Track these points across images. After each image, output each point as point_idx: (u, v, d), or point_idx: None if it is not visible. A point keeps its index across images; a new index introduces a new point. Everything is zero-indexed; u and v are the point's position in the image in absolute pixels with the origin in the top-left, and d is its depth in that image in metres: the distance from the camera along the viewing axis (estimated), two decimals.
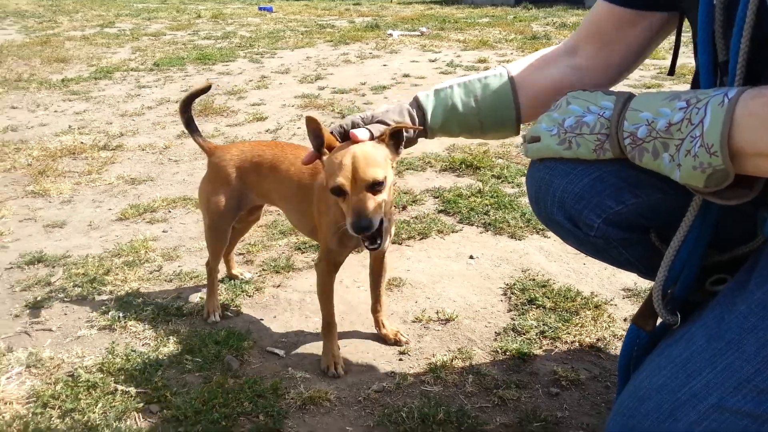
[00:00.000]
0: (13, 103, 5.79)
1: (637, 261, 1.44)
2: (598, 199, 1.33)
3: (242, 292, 2.47)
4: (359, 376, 1.97)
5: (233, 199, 2.18)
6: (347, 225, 1.58)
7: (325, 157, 1.63)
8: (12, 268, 2.70)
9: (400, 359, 2.07)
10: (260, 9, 15.63)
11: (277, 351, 2.10)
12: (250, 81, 6.72)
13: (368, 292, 2.18)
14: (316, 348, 2.11)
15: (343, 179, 1.55)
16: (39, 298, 2.42)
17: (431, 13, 14.29)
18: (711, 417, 1.07)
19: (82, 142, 4.53)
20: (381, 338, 2.17)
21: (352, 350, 2.12)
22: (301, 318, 2.31)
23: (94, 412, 1.76)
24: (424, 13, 14.29)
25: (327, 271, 1.98)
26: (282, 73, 7.19)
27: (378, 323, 2.18)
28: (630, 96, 1.23)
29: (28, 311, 2.35)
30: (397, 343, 2.13)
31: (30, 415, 1.75)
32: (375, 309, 2.17)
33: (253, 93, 6.18)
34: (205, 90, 2.26)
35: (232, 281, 2.55)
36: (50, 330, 2.23)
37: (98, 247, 2.90)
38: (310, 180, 2.00)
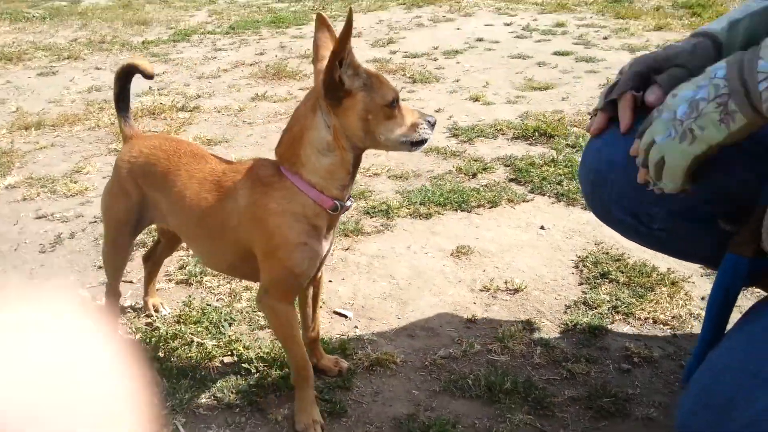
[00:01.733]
0: (97, 63, 6.00)
1: (705, 252, 1.37)
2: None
3: None
4: (425, 342, 1.98)
5: (130, 211, 1.76)
6: (415, 130, 1.46)
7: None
8: (96, 221, 2.83)
9: (467, 327, 2.06)
10: None
11: (345, 312, 2.14)
12: None
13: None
14: (383, 312, 2.14)
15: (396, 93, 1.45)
16: None
17: None
18: None
19: (161, 103, 4.66)
20: (320, 370, 1.82)
21: (418, 315, 2.13)
22: (369, 281, 2.33)
23: (170, 362, 1.84)
24: None
25: (287, 302, 1.58)
26: (354, 37, 7.13)
27: (315, 352, 1.81)
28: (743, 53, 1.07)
29: None
30: (340, 373, 1.81)
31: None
32: (310, 334, 1.81)
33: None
34: (144, 74, 1.86)
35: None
36: (131, 282, 2.34)
37: None
38: (221, 196, 1.57)
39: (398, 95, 1.44)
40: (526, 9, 8.74)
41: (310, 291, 1.78)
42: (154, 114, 4.41)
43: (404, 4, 9.47)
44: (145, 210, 1.76)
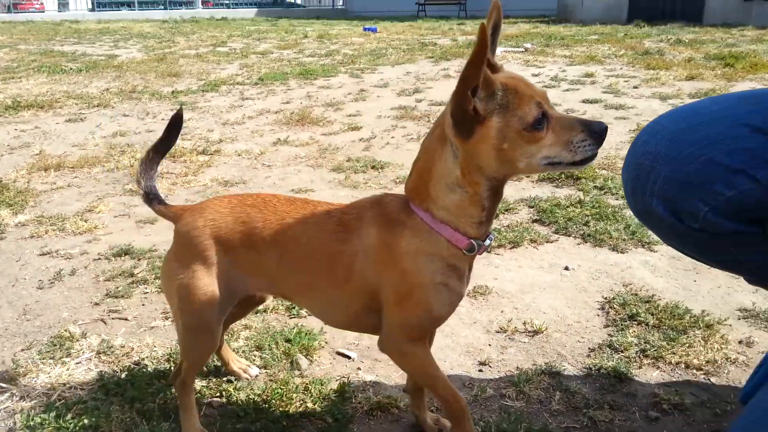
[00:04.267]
0: (125, 111, 6.09)
1: (749, 260, 1.20)
2: (706, 184, 1.12)
3: None
4: None
5: (217, 287, 1.47)
6: (570, 148, 1.17)
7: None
8: (100, 259, 2.74)
9: (480, 370, 1.88)
10: (365, 29, 15.90)
11: (348, 353, 1.98)
12: (349, 94, 6.75)
13: None
14: None
15: (543, 102, 1.18)
16: (120, 288, 2.42)
17: (537, 31, 13.97)
18: None
19: (183, 147, 4.65)
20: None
21: None
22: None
23: (154, 403, 1.70)
24: (530, 31, 13.99)
25: (419, 342, 1.40)
26: (381, 87, 7.18)
27: (419, 402, 1.62)
28: None
29: (108, 300, 2.36)
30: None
31: (91, 401, 1.71)
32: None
33: (350, 105, 6.18)
34: (177, 123, 1.63)
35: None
36: (126, 319, 2.22)
37: None
38: (344, 237, 1.38)
39: (545, 109, 1.17)
40: (554, 61, 8.73)
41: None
42: (173, 157, 4.38)
43: (432, 57, 9.55)
44: (236, 281, 1.49)
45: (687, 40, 10.56)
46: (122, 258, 2.74)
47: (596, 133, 1.15)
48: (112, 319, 2.23)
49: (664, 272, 2.47)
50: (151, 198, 1.63)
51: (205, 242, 1.47)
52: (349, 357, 1.97)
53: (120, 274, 2.56)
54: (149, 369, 1.85)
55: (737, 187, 1.12)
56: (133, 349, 2.00)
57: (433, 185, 1.28)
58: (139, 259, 2.71)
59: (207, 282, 1.46)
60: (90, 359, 1.95)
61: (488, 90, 1.16)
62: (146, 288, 2.44)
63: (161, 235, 3.01)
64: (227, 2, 28.66)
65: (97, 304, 2.33)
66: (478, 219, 1.29)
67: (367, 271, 1.35)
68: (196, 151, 4.56)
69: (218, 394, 1.76)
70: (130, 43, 13.25)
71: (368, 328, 1.47)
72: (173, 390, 1.68)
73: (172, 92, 7.03)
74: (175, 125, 1.63)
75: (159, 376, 1.81)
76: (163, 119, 5.72)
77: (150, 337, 2.09)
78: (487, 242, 1.33)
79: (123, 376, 1.83)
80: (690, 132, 1.20)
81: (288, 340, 2.00)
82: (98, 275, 2.58)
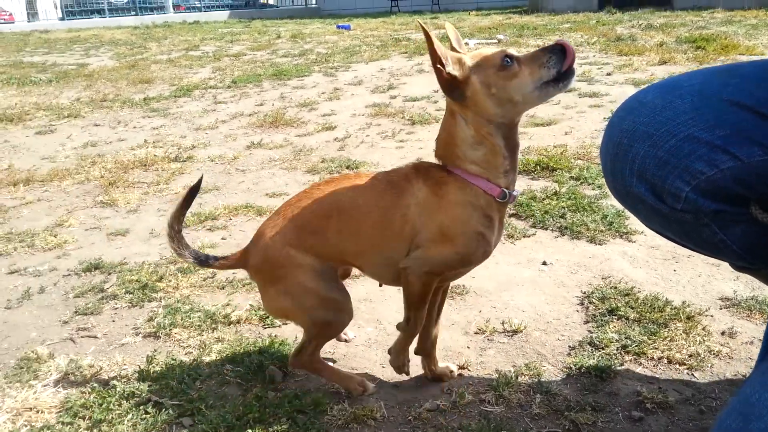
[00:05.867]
0: (96, 120, 5.97)
1: (734, 243, 1.17)
2: (686, 162, 1.08)
3: None
4: (411, 393, 1.76)
5: (320, 280, 1.64)
6: (542, 68, 1.41)
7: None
8: (70, 275, 2.67)
9: (459, 374, 1.84)
10: (338, 27, 15.80)
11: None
12: (323, 93, 6.68)
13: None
14: (366, 360, 1.93)
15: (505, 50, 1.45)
16: (89, 305, 2.35)
17: (510, 22, 13.97)
18: None
19: (154, 155, 4.56)
20: (437, 378, 1.83)
21: None
22: (353, 327, 2.12)
23: (122, 424, 1.64)
24: (503, 22, 13.98)
25: (437, 278, 1.60)
26: (355, 84, 7.11)
27: (432, 359, 1.82)
28: None
29: (77, 318, 2.29)
30: (453, 374, 1.82)
31: (57, 425, 1.65)
32: (430, 340, 1.81)
33: (324, 104, 6.12)
34: (195, 191, 1.82)
35: None
36: (95, 337, 2.16)
37: (156, 255, 2.83)
38: (398, 194, 1.57)
39: (507, 52, 1.43)
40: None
41: (438, 296, 1.76)
42: (145, 165, 4.30)
43: (406, 53, 9.50)
44: (328, 270, 1.66)
45: (658, 25, 10.60)
46: (92, 273, 2.67)
47: (556, 48, 1.41)
48: (81, 337, 2.16)
49: (643, 262, 2.45)
50: (203, 261, 1.77)
51: (284, 252, 1.63)
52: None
53: (90, 290, 2.49)
54: (118, 389, 1.79)
55: (718, 166, 1.08)
56: (102, 368, 1.94)
57: (459, 148, 1.52)
58: (110, 273, 2.64)
59: (311, 277, 1.62)
60: (58, 381, 1.88)
61: (458, 62, 1.45)
62: (116, 303, 2.37)
63: (133, 247, 2.94)
64: (199, 5, 28.36)
65: (66, 322, 2.26)
66: (503, 168, 1.51)
67: (418, 220, 1.54)
68: (168, 158, 4.48)
69: (189, 412, 1.70)
70: (101, 50, 13.05)
71: None
72: (141, 411, 1.62)
73: (144, 99, 6.92)
74: (191, 195, 1.81)
75: (128, 397, 1.75)
76: (134, 127, 5.63)
77: (120, 354, 2.02)
78: (515, 192, 1.55)
79: (91, 398, 1.77)
80: (667, 108, 1.16)
81: (261, 352, 1.95)
82: (68, 292, 2.50)
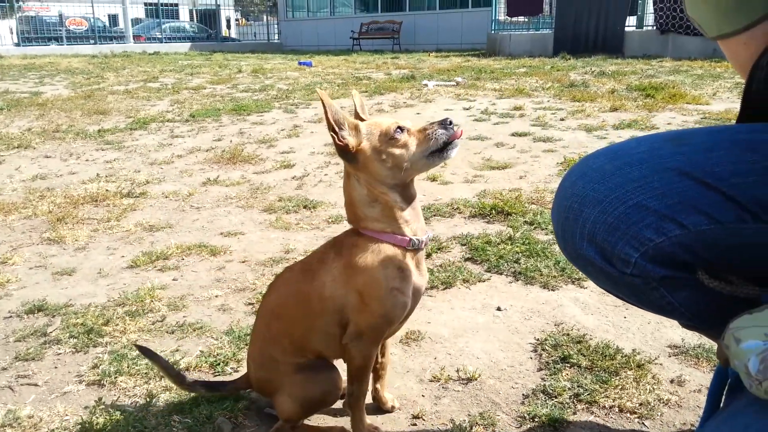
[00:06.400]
0: (47, 152, 5.84)
1: (682, 306, 1.20)
2: (635, 230, 1.11)
3: (246, 345, 2.27)
4: None
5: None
6: (429, 139, 1.54)
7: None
8: (11, 317, 2.56)
9: (414, 424, 1.82)
10: (300, 64, 15.93)
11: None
12: (282, 130, 6.68)
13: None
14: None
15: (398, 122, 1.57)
16: (30, 350, 2.26)
17: (468, 64, 14.31)
18: None
19: (106, 190, 4.47)
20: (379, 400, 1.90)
21: None
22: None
23: None
24: (461, 65, 14.31)
25: (376, 346, 1.66)
26: (315, 122, 7.15)
27: (382, 382, 1.90)
28: None
29: (17, 364, 2.19)
30: (392, 409, 1.90)
31: None
32: (380, 372, 1.89)
33: (283, 141, 6.12)
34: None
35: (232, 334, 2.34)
36: (36, 385, 2.06)
37: (103, 296, 2.75)
38: (310, 275, 1.64)
39: (398, 124, 1.55)
40: (485, 95, 8.92)
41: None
42: (96, 201, 4.20)
43: (366, 92, 9.60)
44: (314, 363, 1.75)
45: (610, 72, 10.99)
46: (35, 315, 2.57)
47: (442, 123, 1.54)
48: (21, 385, 2.07)
49: (595, 309, 2.49)
50: (208, 387, 1.88)
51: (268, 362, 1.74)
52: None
53: (32, 334, 2.39)
54: None
55: (666, 234, 1.11)
56: (42, 419, 1.85)
57: (358, 209, 1.59)
58: (54, 316, 2.55)
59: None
60: None
61: (353, 129, 1.54)
62: (59, 348, 2.28)
63: (79, 288, 2.85)
64: (160, 36, 28.26)
65: (5, 368, 2.16)
66: (403, 219, 1.58)
67: (337, 293, 1.59)
68: (121, 193, 4.39)
69: None
70: (56, 79, 12.84)
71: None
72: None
73: (99, 131, 6.81)
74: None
75: None
76: (87, 160, 5.51)
77: (61, 404, 1.94)
78: (425, 238, 1.61)
79: None
80: (616, 175, 1.19)
81: (210, 402, 1.89)
82: (8, 335, 2.40)
